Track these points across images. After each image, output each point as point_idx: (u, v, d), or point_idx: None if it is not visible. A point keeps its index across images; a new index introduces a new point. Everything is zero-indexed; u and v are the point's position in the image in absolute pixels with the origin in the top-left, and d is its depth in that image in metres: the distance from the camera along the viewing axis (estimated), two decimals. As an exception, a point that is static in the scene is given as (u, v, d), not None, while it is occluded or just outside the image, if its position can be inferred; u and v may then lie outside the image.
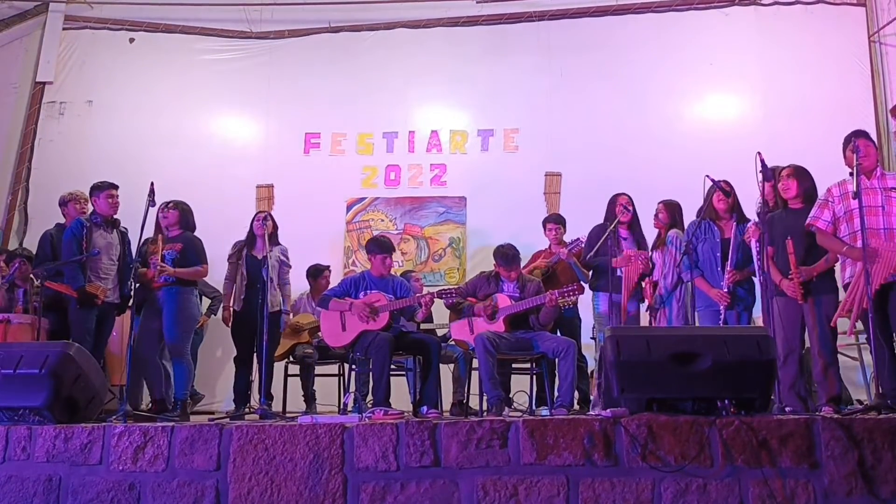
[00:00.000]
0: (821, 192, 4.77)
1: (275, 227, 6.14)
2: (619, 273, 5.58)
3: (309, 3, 8.78)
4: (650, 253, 5.75)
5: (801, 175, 4.83)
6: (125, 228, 5.95)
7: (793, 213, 4.80)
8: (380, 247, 5.68)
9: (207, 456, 3.69)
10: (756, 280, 5.14)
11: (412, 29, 8.70)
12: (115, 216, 5.85)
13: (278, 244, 6.19)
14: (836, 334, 4.62)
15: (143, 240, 5.36)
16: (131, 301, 5.62)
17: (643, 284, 5.73)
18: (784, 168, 4.86)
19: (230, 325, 6.12)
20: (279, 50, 8.83)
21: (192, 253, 5.80)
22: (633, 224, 5.85)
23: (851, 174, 4.36)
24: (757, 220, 4.98)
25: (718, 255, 5.12)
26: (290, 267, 6.30)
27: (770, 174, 4.80)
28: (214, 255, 6.13)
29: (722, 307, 5.00)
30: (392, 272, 5.88)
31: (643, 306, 5.79)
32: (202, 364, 6.58)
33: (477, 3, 8.59)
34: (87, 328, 5.53)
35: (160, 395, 5.72)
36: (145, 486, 3.70)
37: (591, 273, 5.86)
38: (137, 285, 5.43)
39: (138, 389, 6.18)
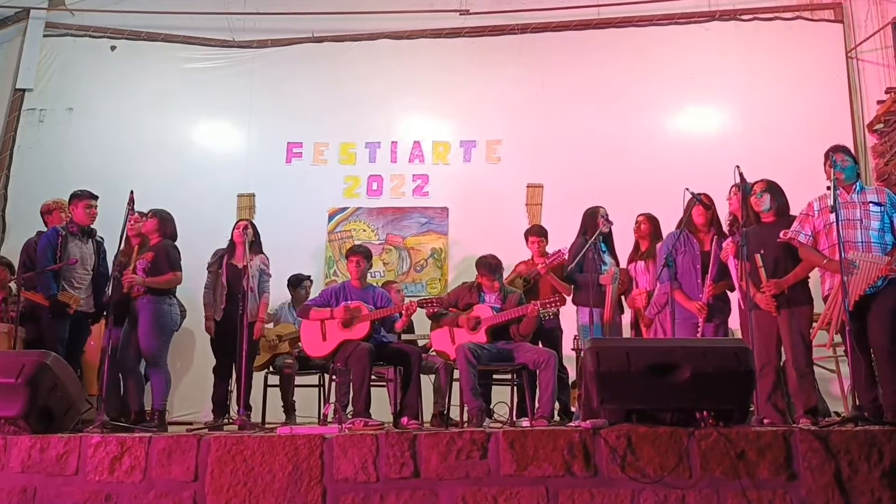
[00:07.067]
0: (798, 205, 4.82)
1: (256, 235, 6.11)
2: (603, 288, 5.61)
3: (292, 13, 8.78)
4: (629, 264, 5.79)
5: (774, 189, 4.88)
6: (101, 238, 5.91)
7: (765, 227, 4.84)
8: (353, 251, 5.80)
9: (185, 467, 3.66)
10: (731, 293, 5.18)
11: (395, 40, 8.72)
12: (91, 226, 5.81)
13: (260, 253, 6.16)
14: (811, 346, 4.66)
15: (120, 248, 5.32)
16: (107, 311, 5.57)
17: (624, 298, 5.78)
18: (756, 182, 4.90)
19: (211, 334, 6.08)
20: (262, 59, 8.83)
21: (164, 261, 5.74)
22: (609, 236, 5.89)
23: (829, 188, 4.41)
24: (728, 235, 5.05)
25: (698, 267, 5.14)
26: (269, 276, 6.27)
27: (749, 188, 4.85)
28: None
29: (700, 320, 5.03)
30: (373, 283, 5.88)
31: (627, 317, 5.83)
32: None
33: (460, 15, 8.62)
34: (59, 337, 5.47)
35: (138, 406, 5.67)
36: (122, 497, 3.67)
37: (572, 287, 5.86)
38: (117, 296, 5.38)
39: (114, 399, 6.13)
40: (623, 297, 5.89)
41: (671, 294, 4.99)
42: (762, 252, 4.69)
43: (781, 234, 4.66)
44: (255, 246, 6.08)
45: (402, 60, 8.62)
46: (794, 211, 4.86)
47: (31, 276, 5.66)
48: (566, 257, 5.89)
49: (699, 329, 5.02)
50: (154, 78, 8.78)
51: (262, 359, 6.37)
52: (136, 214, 5.63)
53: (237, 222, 6.23)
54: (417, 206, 8.26)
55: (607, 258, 5.84)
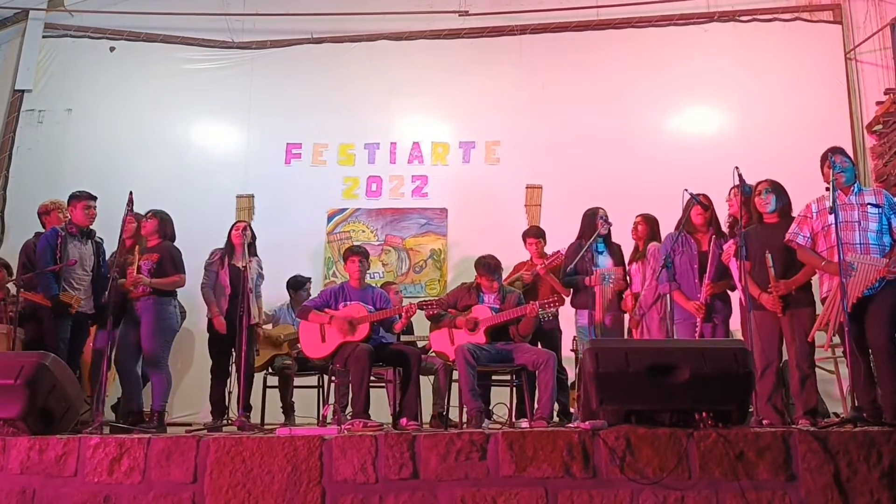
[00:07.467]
0: (797, 206, 4.82)
1: (253, 237, 6.10)
2: (593, 290, 5.61)
3: (291, 13, 8.78)
4: (628, 266, 5.80)
5: (779, 190, 4.88)
6: (100, 239, 5.91)
7: (769, 227, 4.85)
8: (352, 252, 5.75)
9: (184, 468, 3.66)
10: (731, 293, 5.18)
11: (395, 41, 8.73)
12: (90, 227, 5.80)
13: (256, 255, 6.15)
14: (814, 347, 4.66)
15: (118, 249, 5.32)
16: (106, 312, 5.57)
17: (623, 296, 5.78)
18: (760, 182, 4.91)
19: (209, 335, 6.07)
20: (261, 60, 8.84)
21: (169, 263, 5.77)
22: (609, 237, 5.89)
23: (828, 189, 4.42)
24: (729, 236, 5.05)
25: (696, 266, 5.15)
26: (263, 279, 6.27)
27: (749, 189, 4.86)
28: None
29: (698, 320, 5.03)
30: (372, 283, 5.87)
31: (626, 318, 5.84)
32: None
33: (459, 16, 8.63)
34: (61, 338, 5.47)
35: (138, 407, 5.67)
36: (121, 499, 3.66)
37: (570, 290, 5.86)
38: (116, 297, 5.37)
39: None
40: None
41: (671, 294, 5.01)
42: (769, 253, 4.69)
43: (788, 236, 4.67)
44: (252, 248, 6.08)
45: (402, 61, 8.63)
46: (793, 212, 4.87)
47: (31, 276, 5.66)
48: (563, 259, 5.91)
49: (697, 329, 5.03)
50: (153, 79, 8.78)
51: (261, 359, 6.37)
52: (130, 216, 5.62)
53: (235, 223, 6.23)
54: (416, 207, 8.26)
55: (604, 259, 5.83)
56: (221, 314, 5.93)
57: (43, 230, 6.04)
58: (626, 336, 5.78)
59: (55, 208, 6.10)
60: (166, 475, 3.66)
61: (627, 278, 5.79)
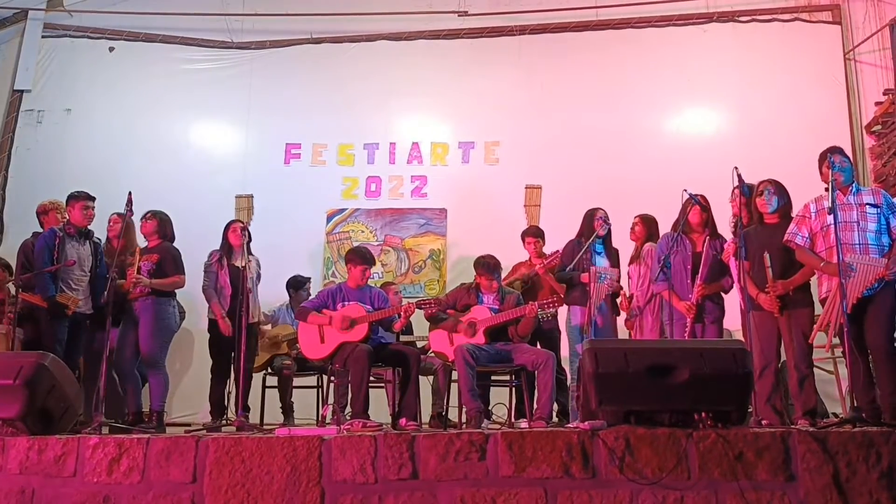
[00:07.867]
0: (796, 207, 4.82)
1: (249, 237, 6.08)
2: (587, 288, 5.61)
3: (291, 14, 8.79)
4: (628, 266, 5.80)
5: (781, 191, 4.88)
6: (98, 239, 5.91)
7: (769, 227, 4.85)
8: (361, 257, 5.64)
9: (183, 468, 3.66)
10: (725, 295, 5.19)
11: (394, 41, 8.73)
12: (88, 227, 5.80)
13: (251, 254, 6.14)
14: (812, 348, 4.66)
15: (105, 247, 5.31)
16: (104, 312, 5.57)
17: (618, 299, 5.79)
18: (762, 182, 4.91)
19: (210, 335, 6.07)
20: (260, 60, 8.84)
21: (170, 264, 5.77)
22: (607, 238, 5.90)
23: (827, 190, 4.42)
24: (732, 236, 5.05)
25: (689, 267, 5.15)
26: (259, 279, 6.26)
27: (747, 190, 4.86)
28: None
29: (689, 319, 5.04)
30: (371, 283, 5.86)
31: (620, 318, 5.84)
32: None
33: (458, 16, 8.63)
34: (58, 339, 5.46)
35: (137, 407, 5.67)
36: (120, 499, 3.66)
37: (565, 287, 5.87)
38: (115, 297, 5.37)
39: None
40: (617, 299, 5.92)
41: (665, 294, 5.01)
42: (767, 253, 4.69)
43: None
44: (248, 247, 6.06)
45: (401, 61, 8.63)
46: (793, 213, 4.87)
47: (30, 277, 5.65)
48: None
49: (687, 328, 5.03)
50: (152, 79, 8.78)
51: (260, 360, 6.37)
52: (116, 215, 5.61)
53: (232, 224, 6.22)
54: (416, 208, 8.26)
55: (601, 260, 5.82)
56: (225, 315, 5.92)
57: (41, 230, 6.03)
58: (617, 337, 5.79)
59: (53, 208, 6.10)
60: (165, 475, 3.66)
61: (626, 280, 5.80)
